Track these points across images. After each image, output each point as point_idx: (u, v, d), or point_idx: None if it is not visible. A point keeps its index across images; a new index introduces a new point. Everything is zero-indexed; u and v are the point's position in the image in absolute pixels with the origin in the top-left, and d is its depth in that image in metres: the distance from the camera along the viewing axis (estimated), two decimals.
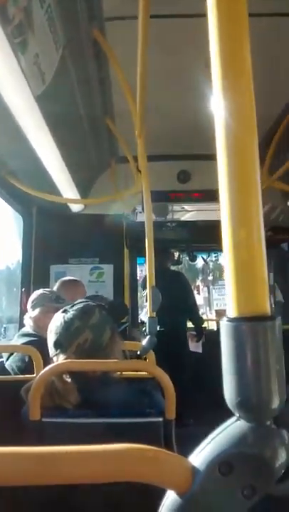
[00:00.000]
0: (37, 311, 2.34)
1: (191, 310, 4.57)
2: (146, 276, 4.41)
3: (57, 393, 1.34)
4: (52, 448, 0.38)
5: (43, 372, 1.31)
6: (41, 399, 1.28)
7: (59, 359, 1.40)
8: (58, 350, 1.42)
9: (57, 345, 1.43)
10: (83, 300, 1.52)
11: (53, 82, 1.86)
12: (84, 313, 1.44)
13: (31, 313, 2.37)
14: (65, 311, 1.47)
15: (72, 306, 1.48)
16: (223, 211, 0.45)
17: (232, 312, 0.43)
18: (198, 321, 4.69)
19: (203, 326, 4.82)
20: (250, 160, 0.44)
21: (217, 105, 0.46)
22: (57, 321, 1.45)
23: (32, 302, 2.40)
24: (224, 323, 0.43)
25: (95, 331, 1.43)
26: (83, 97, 2.49)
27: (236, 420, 0.42)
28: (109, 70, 2.39)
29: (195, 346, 4.60)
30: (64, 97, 2.35)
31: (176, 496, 0.40)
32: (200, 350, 4.55)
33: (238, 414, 0.42)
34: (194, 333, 4.63)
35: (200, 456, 0.41)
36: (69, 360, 1.38)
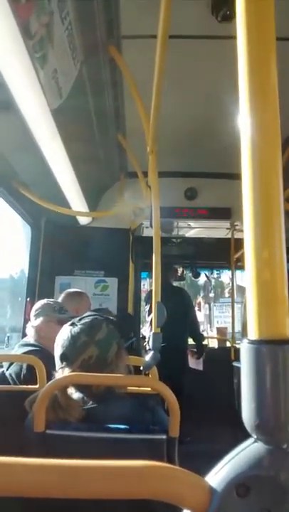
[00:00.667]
0: (39, 320, 2.33)
1: (192, 326, 4.58)
2: (150, 290, 4.44)
3: (60, 408, 1.33)
4: (74, 461, 0.38)
5: (48, 384, 1.31)
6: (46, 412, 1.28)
7: (64, 372, 1.40)
8: (64, 364, 1.41)
9: (63, 358, 1.42)
10: (91, 313, 1.51)
11: (69, 96, 1.89)
12: (91, 328, 1.44)
13: (33, 322, 2.36)
14: (72, 325, 1.46)
15: (80, 320, 1.47)
16: (247, 231, 0.45)
17: (253, 334, 0.44)
18: (199, 337, 4.72)
19: (203, 343, 4.81)
20: (274, 181, 0.45)
21: (243, 125, 0.47)
22: (64, 334, 1.45)
23: (35, 311, 2.39)
24: (245, 345, 0.44)
25: (101, 347, 1.42)
26: (97, 113, 2.52)
27: (254, 442, 0.42)
28: (124, 86, 2.42)
29: (195, 363, 4.59)
30: (79, 112, 2.38)
31: None
32: (201, 368, 4.54)
33: (255, 436, 0.42)
34: (195, 350, 4.62)
35: (217, 476, 0.41)
36: (74, 373, 1.37)
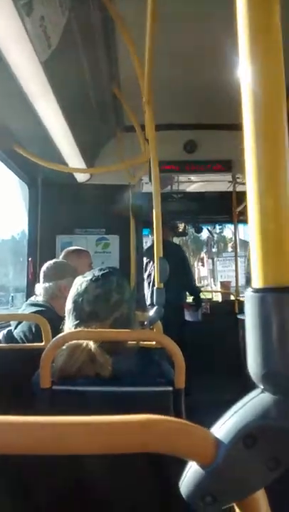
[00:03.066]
0: (65, 280, 2.31)
1: (187, 281, 4.62)
2: (150, 246, 4.43)
3: (92, 360, 1.29)
4: (72, 418, 0.37)
5: (54, 340, 1.31)
6: (77, 366, 1.27)
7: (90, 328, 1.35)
8: (92, 321, 1.36)
9: (93, 315, 1.36)
10: (107, 270, 1.45)
11: (58, 46, 1.81)
12: (120, 286, 1.40)
13: (59, 282, 2.33)
14: (97, 280, 1.40)
15: (104, 277, 1.40)
16: (249, 180, 0.43)
17: (257, 283, 0.42)
18: (195, 291, 4.79)
19: (201, 296, 4.90)
20: (278, 127, 0.42)
21: (243, 67, 0.44)
22: (91, 290, 1.38)
23: (60, 271, 2.37)
24: (249, 294, 0.42)
25: (130, 305, 1.41)
26: (89, 63, 2.42)
27: (261, 392, 0.41)
28: (116, 34, 2.32)
29: (192, 316, 4.68)
30: (70, 63, 2.29)
31: (199, 468, 0.40)
32: (198, 319, 4.63)
33: (262, 387, 0.41)
34: (193, 303, 4.72)
35: (223, 428, 0.41)
36: (79, 329, 1.37)
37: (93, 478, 0.87)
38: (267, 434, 0.39)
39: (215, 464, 0.39)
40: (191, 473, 0.40)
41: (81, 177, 3.74)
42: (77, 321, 1.39)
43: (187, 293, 4.73)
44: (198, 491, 0.40)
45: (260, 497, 0.40)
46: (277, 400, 0.40)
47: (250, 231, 0.43)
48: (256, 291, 0.42)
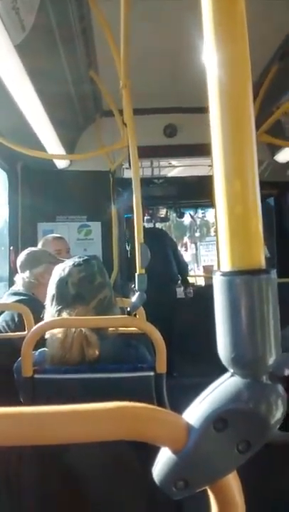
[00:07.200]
0: (41, 267, 2.30)
1: (178, 263, 4.71)
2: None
3: (87, 343, 1.31)
4: (43, 408, 0.37)
5: (34, 328, 1.31)
6: (66, 351, 1.28)
7: (75, 312, 1.36)
8: (77, 303, 1.38)
9: (78, 297, 1.38)
10: (88, 256, 1.49)
11: (33, 29, 1.76)
12: (101, 270, 1.45)
13: (34, 270, 2.32)
14: (80, 265, 1.42)
15: (85, 262, 1.44)
16: (217, 163, 0.43)
17: (225, 266, 0.42)
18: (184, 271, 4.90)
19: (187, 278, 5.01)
20: (244, 109, 0.42)
21: (209, 55, 0.43)
22: (75, 273, 1.40)
23: (32, 260, 2.35)
24: (217, 278, 0.42)
25: (110, 289, 1.45)
26: (65, 47, 2.38)
27: (231, 376, 0.41)
28: (92, 18, 2.27)
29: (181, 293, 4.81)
30: (45, 47, 2.24)
31: (171, 453, 0.40)
32: (183, 296, 4.74)
33: (232, 370, 0.41)
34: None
35: (194, 413, 0.41)
36: (60, 317, 1.37)
37: (79, 473, 0.88)
38: (237, 417, 0.40)
39: (186, 449, 0.39)
40: (163, 459, 0.41)
41: (61, 163, 3.69)
42: (61, 306, 1.40)
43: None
44: (171, 477, 0.40)
45: (232, 480, 0.41)
46: (247, 383, 0.40)
47: (218, 214, 0.42)
48: (224, 274, 0.41)
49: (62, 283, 1.41)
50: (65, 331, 1.32)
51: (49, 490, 1.05)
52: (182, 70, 2.95)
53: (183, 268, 4.88)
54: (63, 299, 1.40)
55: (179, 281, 4.77)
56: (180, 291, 4.75)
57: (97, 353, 1.30)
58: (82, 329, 1.32)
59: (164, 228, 6.43)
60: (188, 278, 4.97)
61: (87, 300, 1.39)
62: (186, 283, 4.87)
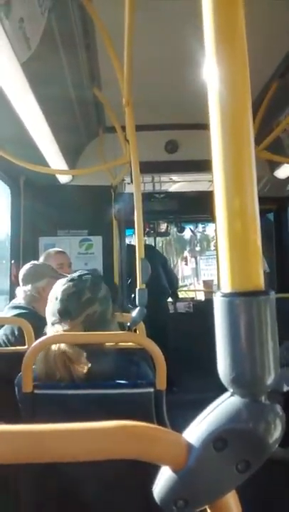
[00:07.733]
0: (43, 282, 2.31)
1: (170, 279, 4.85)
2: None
3: (69, 360, 1.33)
4: (44, 426, 0.37)
5: (36, 343, 1.31)
6: (52, 370, 1.29)
7: (63, 327, 1.39)
8: (64, 318, 1.41)
9: (64, 313, 1.42)
10: (86, 272, 1.52)
11: (38, 47, 1.80)
12: (94, 285, 1.46)
13: (37, 284, 2.33)
14: (72, 281, 1.46)
15: (80, 277, 1.47)
16: (217, 181, 0.43)
17: (226, 287, 0.42)
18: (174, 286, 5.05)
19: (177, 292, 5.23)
20: (244, 128, 0.43)
21: (210, 73, 0.44)
22: (65, 289, 1.44)
23: (34, 274, 2.36)
24: (218, 299, 0.43)
25: (103, 304, 1.45)
26: (70, 64, 2.42)
27: (230, 396, 0.42)
28: (96, 35, 2.31)
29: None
30: (50, 64, 2.28)
31: (171, 472, 0.40)
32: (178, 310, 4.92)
33: (232, 390, 0.42)
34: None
35: (195, 432, 0.41)
36: (60, 332, 1.38)
37: (79, 488, 0.87)
38: (236, 437, 0.40)
39: (186, 468, 0.40)
40: (163, 478, 0.41)
41: (63, 178, 3.71)
42: (51, 321, 1.44)
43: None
44: (171, 496, 0.40)
45: (231, 499, 0.41)
46: (246, 403, 0.41)
47: (218, 230, 0.43)
48: (224, 295, 0.42)
49: (52, 298, 1.46)
50: (47, 349, 1.35)
51: (47, 492, 1.04)
52: (183, 87, 2.99)
53: (172, 282, 4.97)
54: (54, 314, 1.44)
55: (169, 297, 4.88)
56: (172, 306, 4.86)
57: (85, 369, 1.30)
58: (61, 346, 1.34)
59: (163, 242, 6.48)
60: (178, 292, 5.16)
61: (73, 315, 1.41)
62: (175, 297, 5.03)
